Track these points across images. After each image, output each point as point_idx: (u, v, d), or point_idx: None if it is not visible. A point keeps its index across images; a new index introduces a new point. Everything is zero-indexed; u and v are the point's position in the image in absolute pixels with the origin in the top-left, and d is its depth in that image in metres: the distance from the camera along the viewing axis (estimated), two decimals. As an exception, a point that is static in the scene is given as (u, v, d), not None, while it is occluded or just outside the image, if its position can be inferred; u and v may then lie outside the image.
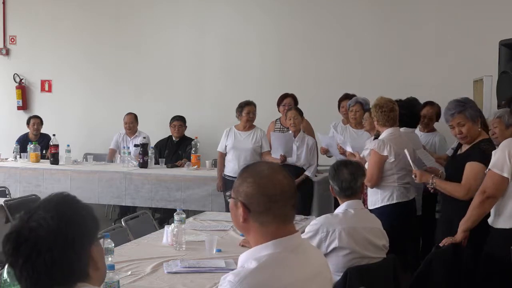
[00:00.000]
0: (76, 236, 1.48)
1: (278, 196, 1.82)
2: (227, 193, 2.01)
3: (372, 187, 4.35)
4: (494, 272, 3.42)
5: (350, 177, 3.24)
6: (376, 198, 4.34)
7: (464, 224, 3.54)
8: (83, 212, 1.54)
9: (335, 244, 3.08)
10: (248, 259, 1.81)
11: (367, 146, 4.54)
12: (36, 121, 7.76)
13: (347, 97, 6.32)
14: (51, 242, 1.44)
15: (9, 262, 1.47)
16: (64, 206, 1.51)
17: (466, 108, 3.75)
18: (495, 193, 3.38)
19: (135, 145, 6.97)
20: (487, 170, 3.43)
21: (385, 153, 4.25)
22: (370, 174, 4.24)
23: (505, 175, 3.33)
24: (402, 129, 4.72)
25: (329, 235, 3.08)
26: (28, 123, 7.80)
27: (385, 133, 4.40)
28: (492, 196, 3.40)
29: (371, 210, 4.33)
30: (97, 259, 1.54)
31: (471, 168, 3.67)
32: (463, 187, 3.69)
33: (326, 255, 3.03)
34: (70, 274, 1.48)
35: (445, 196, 3.95)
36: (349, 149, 5.28)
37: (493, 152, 3.44)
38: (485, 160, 3.52)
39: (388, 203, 4.30)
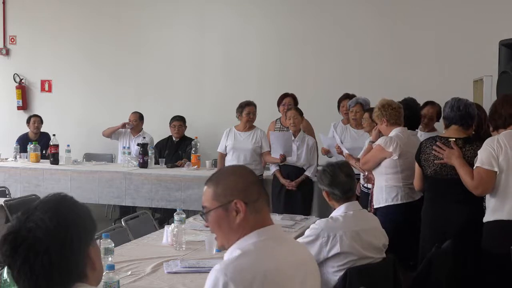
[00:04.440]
0: (74, 237, 1.48)
1: (256, 180, 1.95)
2: (201, 213, 2.03)
3: (365, 170, 4.49)
4: (483, 264, 3.58)
5: (348, 179, 3.19)
6: (381, 197, 4.33)
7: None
8: (81, 212, 1.54)
9: (336, 249, 3.00)
10: (233, 250, 1.87)
11: (377, 142, 4.48)
12: (36, 119, 7.79)
13: (347, 97, 6.32)
14: (49, 243, 1.44)
15: (7, 263, 1.47)
16: (61, 206, 1.51)
17: None
18: (487, 187, 3.52)
19: (138, 144, 6.95)
20: (475, 167, 3.55)
21: (390, 150, 4.23)
22: (365, 158, 4.37)
23: (495, 169, 3.48)
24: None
25: (330, 240, 3.01)
26: (28, 121, 7.83)
27: (394, 131, 4.35)
28: (484, 192, 3.57)
29: (376, 209, 4.33)
30: (94, 259, 1.54)
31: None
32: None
33: (327, 259, 3.00)
34: (68, 275, 1.48)
35: (429, 195, 4.02)
36: (345, 150, 5.27)
37: (479, 152, 3.57)
38: None
39: (393, 203, 4.29)
